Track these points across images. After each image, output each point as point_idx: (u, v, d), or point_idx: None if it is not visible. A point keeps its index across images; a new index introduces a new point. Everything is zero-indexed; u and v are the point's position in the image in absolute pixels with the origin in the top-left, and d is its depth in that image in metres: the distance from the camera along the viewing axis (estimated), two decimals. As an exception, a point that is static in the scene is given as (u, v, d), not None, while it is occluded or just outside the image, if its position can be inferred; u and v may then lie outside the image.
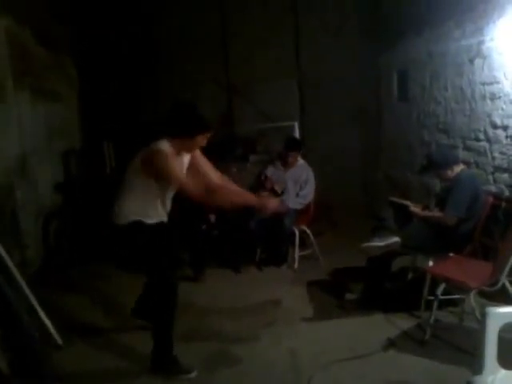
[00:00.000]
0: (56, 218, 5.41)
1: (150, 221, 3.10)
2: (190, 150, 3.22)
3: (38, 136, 5.29)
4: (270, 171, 5.34)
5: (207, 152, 4.63)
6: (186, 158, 3.26)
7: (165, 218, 3.24)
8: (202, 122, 3.18)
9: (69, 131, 6.21)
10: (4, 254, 3.23)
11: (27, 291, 3.30)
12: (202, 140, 3.17)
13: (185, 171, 3.23)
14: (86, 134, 6.55)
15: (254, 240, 5.06)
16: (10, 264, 3.25)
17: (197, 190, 3.00)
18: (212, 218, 5.07)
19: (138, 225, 3.05)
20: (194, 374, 3.02)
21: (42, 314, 3.34)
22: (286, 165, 5.26)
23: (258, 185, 5.36)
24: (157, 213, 3.15)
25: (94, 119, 6.53)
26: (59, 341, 3.37)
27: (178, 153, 3.13)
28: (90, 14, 6.40)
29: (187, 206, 4.23)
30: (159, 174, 2.99)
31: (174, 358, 3.07)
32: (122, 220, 3.06)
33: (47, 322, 3.35)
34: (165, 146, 3.04)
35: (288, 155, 5.21)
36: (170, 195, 3.20)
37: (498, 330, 2.04)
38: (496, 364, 2.04)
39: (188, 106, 3.31)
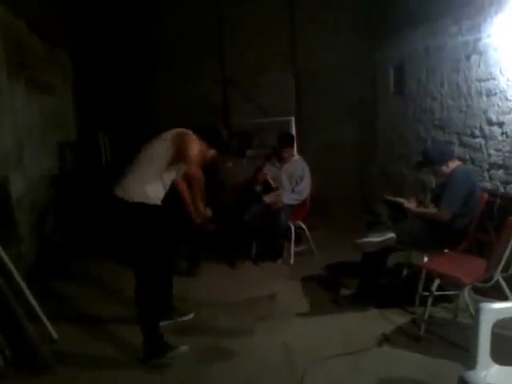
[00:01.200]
0: (51, 210, 5.40)
1: (156, 202, 3.18)
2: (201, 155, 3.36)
3: (33, 128, 5.25)
4: (266, 167, 5.33)
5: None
6: None
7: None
8: (221, 145, 3.52)
9: (64, 123, 6.17)
10: (-1, 248, 3.22)
11: (22, 284, 3.29)
12: (208, 154, 3.43)
13: None
14: (82, 126, 6.52)
15: (249, 235, 5.08)
16: (5, 257, 3.24)
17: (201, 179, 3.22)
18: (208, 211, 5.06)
19: (145, 206, 3.09)
20: (184, 349, 3.15)
21: (37, 308, 3.33)
22: (282, 161, 5.26)
23: (255, 179, 5.36)
24: (159, 195, 3.23)
25: (90, 111, 6.50)
26: (54, 334, 3.37)
27: None
28: (86, 7, 6.36)
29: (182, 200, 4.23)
30: (181, 150, 3.12)
31: (166, 343, 3.13)
32: (133, 197, 3.08)
33: (42, 315, 3.35)
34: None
35: (282, 151, 5.21)
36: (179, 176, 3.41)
37: (491, 325, 2.06)
38: (489, 359, 2.06)
39: (213, 130, 3.57)
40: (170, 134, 3.21)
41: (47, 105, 5.64)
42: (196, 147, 3.18)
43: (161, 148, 3.16)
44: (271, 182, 5.10)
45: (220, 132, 3.54)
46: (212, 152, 3.44)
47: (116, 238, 3.79)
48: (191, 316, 3.66)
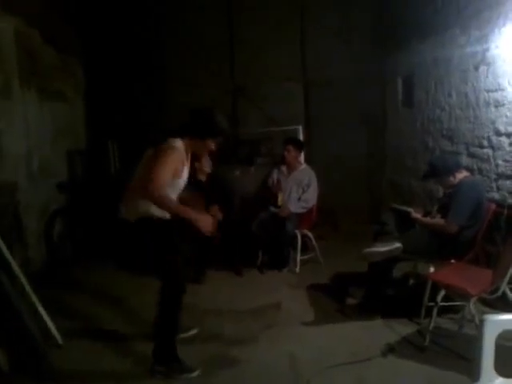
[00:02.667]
0: (60, 217, 5.45)
1: (159, 214, 3.06)
2: (199, 151, 3.27)
3: (44, 135, 5.33)
4: (274, 175, 5.35)
5: (211, 154, 4.63)
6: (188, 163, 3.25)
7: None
8: (215, 126, 3.18)
9: (74, 131, 6.25)
10: (7, 253, 3.25)
11: (29, 290, 3.32)
12: (212, 144, 3.20)
13: (186, 175, 3.21)
14: (91, 134, 6.59)
15: (256, 243, 5.08)
16: (13, 262, 3.27)
17: (162, 194, 2.86)
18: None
19: (149, 221, 3.04)
20: (196, 373, 3.04)
21: (44, 313, 3.36)
22: (288, 166, 5.27)
23: (265, 188, 5.38)
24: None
25: (100, 119, 6.57)
26: (59, 340, 3.38)
27: (187, 152, 3.14)
28: (98, 16, 6.45)
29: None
30: (152, 164, 2.90)
31: (177, 357, 3.09)
32: (132, 216, 3.05)
33: (48, 320, 3.37)
34: (179, 143, 3.04)
35: (284, 150, 5.22)
36: (176, 193, 3.17)
37: (495, 337, 2.04)
38: (493, 371, 2.04)
39: (207, 109, 3.33)
40: (157, 149, 3.04)
41: (58, 113, 5.72)
42: (169, 164, 2.93)
43: (147, 163, 3.03)
44: (280, 197, 5.09)
45: (213, 115, 3.21)
46: (203, 163, 3.27)
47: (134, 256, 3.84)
48: (195, 331, 3.58)
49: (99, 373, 3.13)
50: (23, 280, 3.30)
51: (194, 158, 3.42)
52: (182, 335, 3.38)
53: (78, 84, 6.45)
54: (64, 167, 5.87)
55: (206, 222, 2.97)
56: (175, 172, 2.99)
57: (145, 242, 3.13)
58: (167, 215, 3.09)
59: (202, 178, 5.02)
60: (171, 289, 3.07)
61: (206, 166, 5.00)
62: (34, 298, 3.33)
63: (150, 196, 2.85)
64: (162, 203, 2.89)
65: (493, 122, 4.11)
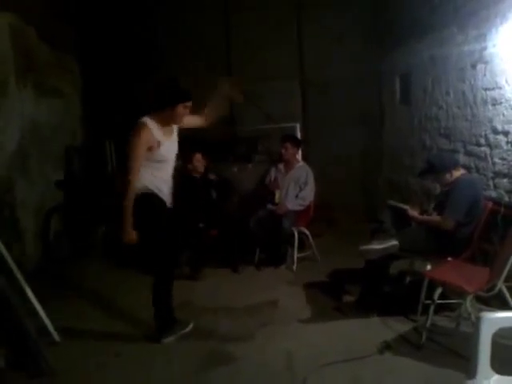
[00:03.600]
0: (56, 214, 5.43)
1: (158, 192, 3.33)
2: (173, 120, 3.40)
3: (40, 132, 5.31)
4: (272, 173, 5.35)
5: (209, 151, 4.69)
6: (175, 131, 3.47)
7: (168, 201, 3.43)
8: (180, 92, 3.37)
9: (71, 128, 6.23)
10: (3, 250, 3.24)
11: (25, 287, 3.31)
12: (184, 110, 3.35)
13: (175, 146, 3.46)
14: (88, 132, 6.57)
15: (253, 240, 5.08)
16: (9, 259, 3.26)
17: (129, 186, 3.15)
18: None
19: (146, 196, 3.26)
20: (191, 325, 3.49)
21: (40, 310, 3.35)
22: (285, 164, 5.27)
23: (263, 185, 5.38)
24: (159, 187, 3.34)
25: (97, 117, 6.55)
26: (56, 337, 3.38)
27: (164, 125, 3.33)
28: (95, 13, 6.43)
29: (186, 205, 4.27)
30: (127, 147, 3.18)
31: (175, 319, 3.47)
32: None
33: (45, 317, 3.37)
34: (145, 120, 3.25)
35: (281, 147, 5.23)
36: (163, 163, 3.35)
37: (491, 334, 2.04)
38: (489, 369, 2.04)
39: (167, 79, 3.50)
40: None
41: (55, 109, 5.71)
42: (135, 149, 3.20)
43: None
44: (277, 195, 5.10)
45: (174, 82, 3.58)
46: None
47: None
48: (191, 326, 3.58)
49: (95, 369, 3.12)
50: (19, 277, 3.29)
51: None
52: (183, 331, 3.49)
53: (74, 81, 6.43)
54: (61, 164, 5.85)
55: (127, 236, 3.19)
56: (149, 147, 3.21)
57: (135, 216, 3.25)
58: (161, 191, 3.34)
59: (196, 175, 5.07)
60: (160, 264, 3.34)
61: (200, 166, 5.06)
62: (31, 295, 3.33)
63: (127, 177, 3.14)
64: (125, 186, 3.15)
65: (490, 121, 4.11)
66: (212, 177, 5.28)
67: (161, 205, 3.35)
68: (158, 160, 3.30)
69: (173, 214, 3.48)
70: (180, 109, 3.32)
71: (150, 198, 3.30)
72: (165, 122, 3.34)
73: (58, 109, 5.79)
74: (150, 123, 3.25)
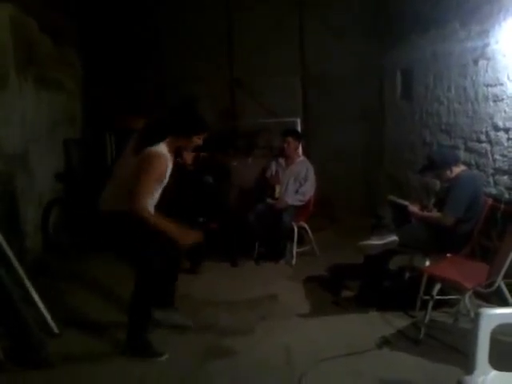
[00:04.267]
0: (56, 207, 5.44)
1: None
2: (184, 148, 3.36)
3: (40, 125, 5.31)
4: (272, 167, 5.35)
5: (209, 145, 4.65)
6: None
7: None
8: (199, 124, 3.26)
9: (71, 121, 6.23)
10: (3, 242, 3.24)
11: (25, 279, 3.32)
12: (198, 140, 3.25)
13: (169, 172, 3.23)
14: (89, 125, 6.56)
15: (252, 234, 5.08)
16: (9, 252, 3.27)
17: (147, 215, 2.94)
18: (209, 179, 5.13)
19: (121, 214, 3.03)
20: (164, 357, 3.12)
21: (40, 302, 3.36)
22: (286, 158, 5.27)
23: (263, 180, 5.38)
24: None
25: (97, 110, 6.54)
26: (55, 329, 3.39)
27: (172, 151, 3.19)
28: (97, 5, 6.40)
29: (185, 199, 4.25)
30: (138, 174, 2.94)
31: (148, 342, 3.17)
32: (109, 207, 3.13)
33: (44, 309, 3.37)
34: (163, 148, 3.07)
35: (283, 141, 5.22)
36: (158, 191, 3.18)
37: (490, 331, 2.05)
38: (487, 364, 2.05)
39: (187, 106, 3.36)
40: (141, 155, 3.04)
41: (55, 102, 5.70)
42: (151, 179, 2.98)
43: (132, 168, 3.04)
44: (277, 190, 5.10)
45: (194, 111, 3.47)
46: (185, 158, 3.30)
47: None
48: (189, 323, 3.53)
49: (95, 361, 3.13)
50: (19, 269, 3.30)
51: (177, 153, 3.44)
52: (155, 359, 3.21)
53: (75, 75, 6.42)
54: (61, 157, 5.85)
55: (186, 238, 3.08)
56: (160, 178, 3.05)
57: (116, 232, 3.19)
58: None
59: (190, 167, 5.01)
60: (143, 278, 3.14)
61: (189, 159, 4.99)
62: (30, 287, 3.33)
63: (135, 213, 2.91)
64: (147, 222, 2.93)
65: (491, 117, 4.10)
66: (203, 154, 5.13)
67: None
68: (159, 187, 3.15)
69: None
70: (195, 139, 3.22)
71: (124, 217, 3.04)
72: (174, 148, 3.21)
73: (58, 102, 5.78)
74: (166, 154, 3.07)
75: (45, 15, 5.40)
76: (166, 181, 3.16)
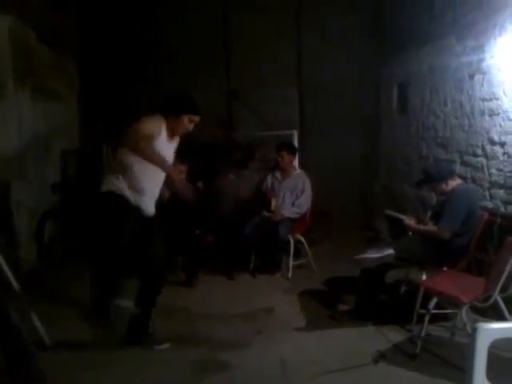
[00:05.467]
0: (51, 218, 5.41)
1: (131, 197, 3.24)
2: (175, 130, 3.32)
3: (37, 135, 5.29)
4: (268, 180, 5.35)
5: (206, 157, 4.67)
6: (175, 143, 3.42)
7: (148, 210, 3.33)
8: (189, 103, 3.29)
9: (68, 131, 6.22)
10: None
11: (18, 290, 3.28)
12: (189, 124, 3.27)
13: (171, 153, 3.38)
14: (86, 136, 6.55)
15: (248, 247, 5.06)
16: (3, 262, 3.23)
17: (157, 158, 3.10)
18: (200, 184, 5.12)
19: (114, 195, 3.21)
20: (167, 345, 3.35)
21: (33, 314, 3.32)
22: (282, 171, 5.27)
23: (259, 192, 5.37)
24: (140, 196, 3.26)
25: (95, 121, 6.53)
26: (47, 340, 3.34)
27: (167, 130, 3.27)
28: (95, 16, 6.44)
29: (182, 211, 4.24)
30: (133, 138, 3.11)
31: (149, 333, 3.39)
32: (103, 187, 3.27)
33: (37, 322, 3.33)
34: (155, 116, 3.23)
35: (278, 156, 5.22)
36: (153, 181, 3.30)
37: (487, 345, 2.03)
38: (485, 380, 2.04)
39: (182, 90, 3.44)
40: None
41: (53, 112, 5.69)
42: (147, 125, 3.16)
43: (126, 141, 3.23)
44: (274, 203, 5.09)
45: (188, 94, 3.41)
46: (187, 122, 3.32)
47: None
48: (167, 345, 3.42)
49: (86, 375, 3.08)
50: (13, 280, 3.26)
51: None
52: (155, 347, 3.37)
53: (72, 84, 6.42)
54: (57, 167, 5.83)
55: (175, 172, 3.26)
56: (151, 133, 3.12)
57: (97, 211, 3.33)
58: (140, 196, 3.25)
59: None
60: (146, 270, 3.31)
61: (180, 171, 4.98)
62: (24, 299, 3.29)
63: (140, 152, 3.09)
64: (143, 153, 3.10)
65: (487, 131, 4.12)
66: (199, 185, 5.17)
67: (125, 209, 3.25)
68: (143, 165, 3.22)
69: (149, 224, 3.37)
70: (185, 120, 3.24)
71: (115, 200, 3.23)
72: (168, 129, 3.28)
73: (55, 112, 5.78)
74: (158, 118, 3.23)
75: (43, 25, 5.42)
76: (157, 149, 3.18)
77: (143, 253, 3.29)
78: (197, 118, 3.28)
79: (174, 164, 4.58)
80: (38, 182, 5.27)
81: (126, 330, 3.41)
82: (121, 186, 3.21)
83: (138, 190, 3.24)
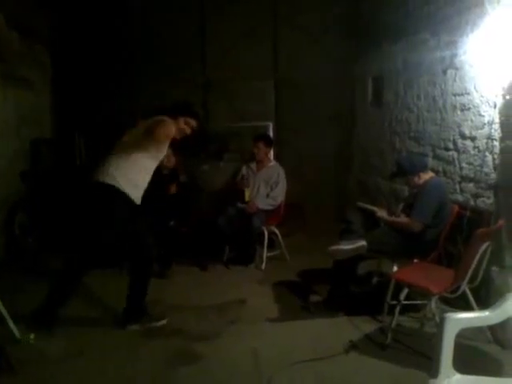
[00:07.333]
0: (21, 208, 5.30)
1: (131, 194, 3.31)
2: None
3: (7, 123, 5.17)
4: (243, 171, 5.34)
5: (180, 148, 4.66)
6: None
7: (138, 201, 3.41)
8: (187, 107, 3.50)
9: (39, 120, 6.09)
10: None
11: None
12: (185, 125, 3.44)
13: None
14: (58, 125, 6.43)
15: (222, 238, 5.06)
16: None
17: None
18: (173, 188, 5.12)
19: (117, 192, 3.25)
20: (163, 322, 3.56)
21: (1, 307, 3.25)
22: (257, 163, 5.27)
23: (233, 184, 5.37)
24: (137, 190, 3.35)
25: (67, 110, 6.42)
26: (17, 334, 3.28)
27: None
28: (68, 5, 6.31)
29: (156, 203, 4.21)
30: (154, 129, 3.20)
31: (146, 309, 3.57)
32: (110, 180, 3.25)
33: (6, 314, 3.27)
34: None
35: (253, 146, 5.23)
36: (148, 174, 3.41)
37: (454, 335, 2.08)
38: (451, 368, 2.08)
39: (184, 100, 3.63)
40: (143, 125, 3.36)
41: (23, 100, 5.57)
42: (172, 128, 3.27)
43: (136, 133, 3.34)
44: (247, 193, 5.09)
45: (190, 102, 3.67)
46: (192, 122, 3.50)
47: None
48: (164, 322, 3.62)
49: (58, 367, 3.04)
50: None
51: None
52: (150, 324, 3.55)
53: (45, 72, 6.28)
54: (27, 156, 5.71)
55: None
56: (169, 134, 3.27)
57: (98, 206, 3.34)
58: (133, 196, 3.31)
59: (166, 171, 4.98)
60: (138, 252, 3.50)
61: (169, 161, 4.96)
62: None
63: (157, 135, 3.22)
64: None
65: (458, 126, 4.18)
66: (182, 179, 5.19)
67: (125, 211, 3.34)
68: (157, 155, 3.38)
69: (137, 213, 3.47)
70: (181, 121, 3.41)
71: (116, 197, 3.28)
72: None
73: (26, 100, 5.65)
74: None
75: (14, 11, 5.27)
76: (163, 150, 3.40)
77: (135, 240, 3.47)
78: (193, 122, 3.48)
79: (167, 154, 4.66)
80: (8, 172, 5.16)
81: (124, 312, 3.54)
82: (122, 181, 3.26)
83: (134, 182, 3.32)
